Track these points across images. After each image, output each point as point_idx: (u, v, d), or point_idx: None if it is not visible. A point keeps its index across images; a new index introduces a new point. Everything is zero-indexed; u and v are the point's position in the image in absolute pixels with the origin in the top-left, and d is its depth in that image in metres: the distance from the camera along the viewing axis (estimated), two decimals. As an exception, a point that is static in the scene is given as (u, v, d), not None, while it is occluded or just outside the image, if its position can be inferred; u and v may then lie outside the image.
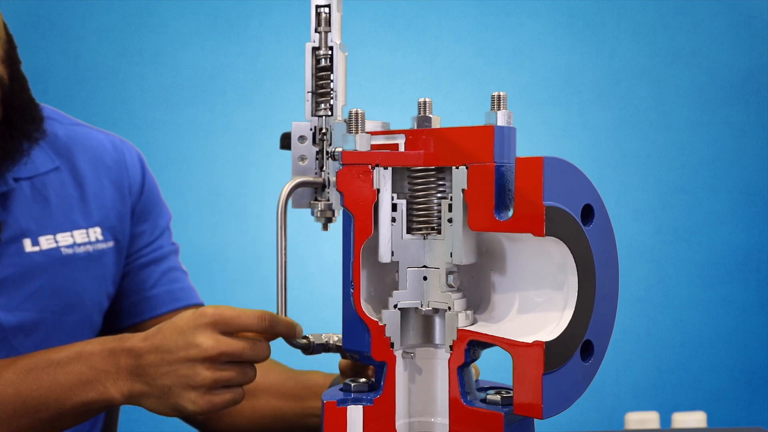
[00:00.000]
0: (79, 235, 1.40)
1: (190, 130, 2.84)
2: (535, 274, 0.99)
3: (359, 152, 1.00)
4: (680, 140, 3.02)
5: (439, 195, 1.03)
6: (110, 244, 1.44)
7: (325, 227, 1.13)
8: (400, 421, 1.03)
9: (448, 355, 1.01)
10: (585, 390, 0.95)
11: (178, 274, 1.52)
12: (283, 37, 2.85)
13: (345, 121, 1.05)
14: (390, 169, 1.01)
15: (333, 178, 1.08)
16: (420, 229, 1.03)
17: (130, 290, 1.49)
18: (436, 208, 1.03)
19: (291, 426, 1.36)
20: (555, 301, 0.96)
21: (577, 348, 0.93)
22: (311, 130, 1.13)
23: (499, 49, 2.96)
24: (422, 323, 1.05)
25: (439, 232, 1.02)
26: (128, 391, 1.09)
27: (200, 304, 1.52)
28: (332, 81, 1.11)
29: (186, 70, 2.84)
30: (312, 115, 1.13)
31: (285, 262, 1.09)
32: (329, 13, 1.11)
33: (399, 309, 1.02)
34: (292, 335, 1.09)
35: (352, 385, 1.06)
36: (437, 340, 1.05)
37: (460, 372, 1.00)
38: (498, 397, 1.00)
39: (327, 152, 1.11)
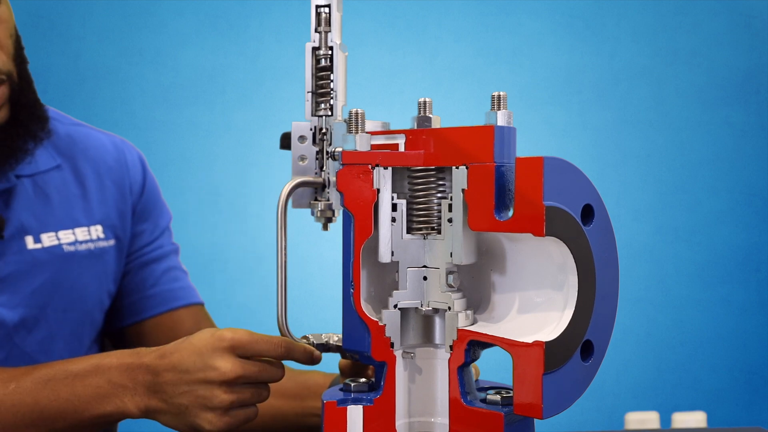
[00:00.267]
0: (81, 233, 1.40)
1: (190, 130, 2.84)
2: (535, 274, 0.99)
3: (359, 152, 1.00)
4: (680, 140, 3.02)
5: (439, 195, 1.03)
6: (111, 242, 1.44)
7: (325, 227, 1.13)
8: (400, 421, 1.03)
9: (448, 355, 1.01)
10: (585, 390, 0.95)
11: (178, 273, 1.53)
12: (283, 37, 2.85)
13: (345, 121, 1.05)
14: (390, 169, 1.01)
15: (333, 178, 1.08)
16: (420, 229, 1.03)
17: (130, 289, 1.49)
18: (436, 208, 1.03)
19: (291, 426, 1.36)
20: (555, 301, 0.96)
21: (577, 348, 0.93)
22: (311, 130, 1.13)
23: (499, 49, 2.96)
24: (422, 323, 1.05)
25: (439, 232, 1.02)
26: (145, 407, 1.11)
27: (200, 304, 1.53)
28: (332, 81, 1.11)
29: (186, 70, 2.84)
30: (312, 115, 1.13)
31: (285, 262, 1.09)
32: (329, 13, 1.11)
33: (399, 309, 1.02)
34: (309, 362, 1.10)
35: (352, 385, 1.06)
36: (437, 340, 1.05)
37: (460, 372, 1.00)
38: (498, 397, 1.00)
39: (327, 152, 1.11)
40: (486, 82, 2.91)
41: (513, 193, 0.92)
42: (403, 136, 1.05)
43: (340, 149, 1.02)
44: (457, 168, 0.98)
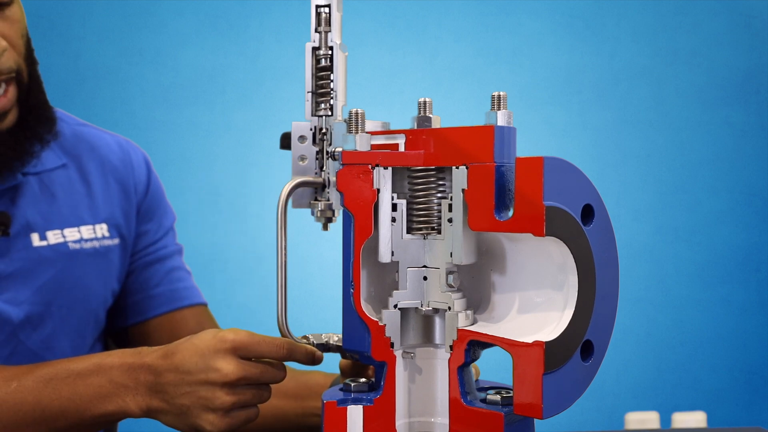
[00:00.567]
0: (86, 231, 1.41)
1: (190, 130, 2.85)
2: (535, 274, 0.99)
3: (359, 152, 1.00)
4: (680, 140, 3.02)
5: (439, 195, 1.03)
6: (116, 241, 1.45)
7: (325, 227, 1.13)
8: (400, 421, 1.03)
9: (448, 355, 1.01)
10: (585, 390, 0.95)
11: (181, 273, 1.53)
12: (283, 37, 2.85)
13: (345, 121, 1.05)
14: (390, 169, 1.01)
15: (333, 178, 1.08)
16: (420, 229, 1.03)
17: (134, 288, 1.50)
18: (436, 208, 1.03)
19: (291, 425, 1.36)
20: (555, 301, 0.96)
21: (577, 348, 0.93)
22: (311, 130, 1.13)
23: (499, 49, 2.96)
24: (422, 323, 1.05)
25: (439, 232, 1.02)
26: (147, 407, 1.11)
27: (203, 304, 1.54)
28: (332, 81, 1.11)
29: (186, 70, 2.84)
30: (312, 115, 1.13)
31: (285, 262, 1.09)
32: (329, 13, 1.11)
33: (399, 309, 1.02)
34: (310, 363, 1.11)
35: (352, 385, 1.06)
36: (437, 340, 1.05)
37: (460, 372, 1.00)
38: (498, 397, 1.00)
39: (327, 152, 1.11)
40: (486, 82, 2.91)
41: (513, 193, 0.92)
42: (403, 136, 1.05)
43: (340, 149, 1.02)
44: (457, 168, 0.98)
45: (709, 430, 1.91)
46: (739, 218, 3.02)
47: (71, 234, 1.40)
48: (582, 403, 0.96)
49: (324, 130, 1.12)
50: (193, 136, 2.84)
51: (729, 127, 3.02)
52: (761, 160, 3.03)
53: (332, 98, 1.11)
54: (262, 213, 2.76)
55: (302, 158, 1.13)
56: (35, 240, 1.36)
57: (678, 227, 3.01)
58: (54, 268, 1.37)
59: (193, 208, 2.81)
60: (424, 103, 1.05)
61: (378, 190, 1.01)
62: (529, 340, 0.91)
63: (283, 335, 1.10)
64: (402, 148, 1.05)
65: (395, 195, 1.03)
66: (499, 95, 0.98)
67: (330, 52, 1.11)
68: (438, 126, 1.04)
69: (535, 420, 1.01)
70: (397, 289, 1.03)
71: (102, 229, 1.43)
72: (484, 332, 0.98)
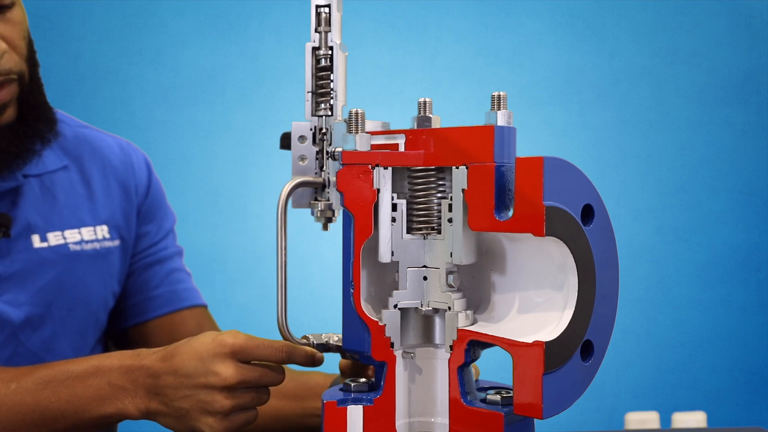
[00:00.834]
0: (87, 233, 1.41)
1: (190, 130, 2.84)
2: (535, 274, 0.99)
3: (359, 152, 1.00)
4: (680, 140, 3.02)
5: (439, 195, 1.03)
6: (116, 242, 1.45)
7: (325, 227, 1.13)
8: (400, 421, 1.03)
9: (448, 355, 1.01)
10: (585, 390, 0.95)
11: (182, 275, 1.54)
12: (283, 37, 2.85)
13: (345, 121, 1.05)
14: (390, 169, 1.01)
15: (333, 178, 1.08)
16: (420, 229, 1.03)
17: (134, 290, 1.50)
18: (436, 208, 1.03)
19: (291, 426, 1.36)
20: (555, 301, 0.96)
21: (577, 348, 0.93)
22: (311, 130, 1.13)
23: (499, 49, 2.96)
24: (422, 323, 1.05)
25: (439, 232, 1.02)
26: (145, 409, 1.11)
27: (203, 306, 1.54)
28: (332, 81, 1.11)
29: (186, 70, 2.84)
30: (312, 115, 1.13)
31: (285, 262, 1.09)
32: (329, 13, 1.11)
33: (399, 309, 1.02)
34: (311, 365, 1.11)
35: (352, 385, 1.06)
36: (437, 340, 1.05)
37: (460, 372, 1.00)
38: (498, 397, 1.00)
39: (327, 152, 1.11)
40: (486, 82, 2.91)
41: (513, 193, 0.92)
42: (403, 136, 1.05)
43: (340, 149, 1.02)
44: (457, 168, 0.98)
45: (709, 430, 1.91)
46: (739, 218, 3.02)
47: (72, 235, 1.40)
48: (582, 403, 0.96)
49: (324, 130, 1.12)
50: (193, 136, 2.84)
51: (729, 127, 3.02)
52: (761, 160, 3.03)
53: (332, 98, 1.11)
54: (262, 213, 2.76)
55: (302, 158, 1.13)
56: (36, 241, 1.37)
57: (678, 227, 3.01)
58: (55, 270, 1.37)
59: (193, 209, 2.81)
60: (424, 103, 1.05)
61: (378, 190, 1.01)
62: (529, 340, 0.91)
63: (283, 335, 1.10)
64: (402, 148, 1.05)
65: (395, 195, 1.03)
66: (499, 95, 0.98)
67: (330, 52, 1.11)
68: (438, 126, 1.04)
69: (535, 420, 1.01)
70: (397, 289, 1.03)
71: (102, 231, 1.44)
72: (484, 332, 0.98)
